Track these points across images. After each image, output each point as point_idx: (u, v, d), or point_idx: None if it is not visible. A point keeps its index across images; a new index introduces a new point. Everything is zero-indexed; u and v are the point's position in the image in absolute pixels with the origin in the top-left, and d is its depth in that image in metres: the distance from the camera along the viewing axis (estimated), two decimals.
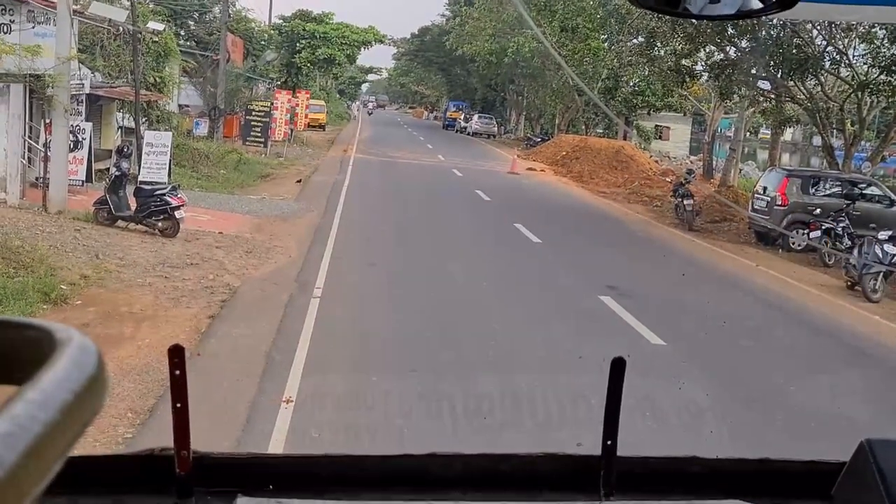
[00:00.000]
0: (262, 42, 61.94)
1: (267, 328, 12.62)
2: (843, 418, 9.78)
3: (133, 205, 19.38)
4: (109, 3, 31.79)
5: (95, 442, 7.92)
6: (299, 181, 32.76)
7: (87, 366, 0.75)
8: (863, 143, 36.19)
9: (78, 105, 23.78)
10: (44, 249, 15.25)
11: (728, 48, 31.86)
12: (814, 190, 25.72)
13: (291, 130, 48.81)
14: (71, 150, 21.75)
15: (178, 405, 1.74)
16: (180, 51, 38.86)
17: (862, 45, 28.75)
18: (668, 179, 40.28)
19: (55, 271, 14.23)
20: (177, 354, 1.75)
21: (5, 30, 21.17)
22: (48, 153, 20.21)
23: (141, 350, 11.05)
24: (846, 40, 28.95)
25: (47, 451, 0.67)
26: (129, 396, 9.36)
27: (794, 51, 28.07)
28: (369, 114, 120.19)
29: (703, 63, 35.00)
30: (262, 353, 11.35)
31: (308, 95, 60.46)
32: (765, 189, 26.57)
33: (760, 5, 1.72)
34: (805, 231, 24.01)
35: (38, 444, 0.65)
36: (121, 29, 28.09)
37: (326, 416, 9.20)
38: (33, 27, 21.43)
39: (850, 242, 22.60)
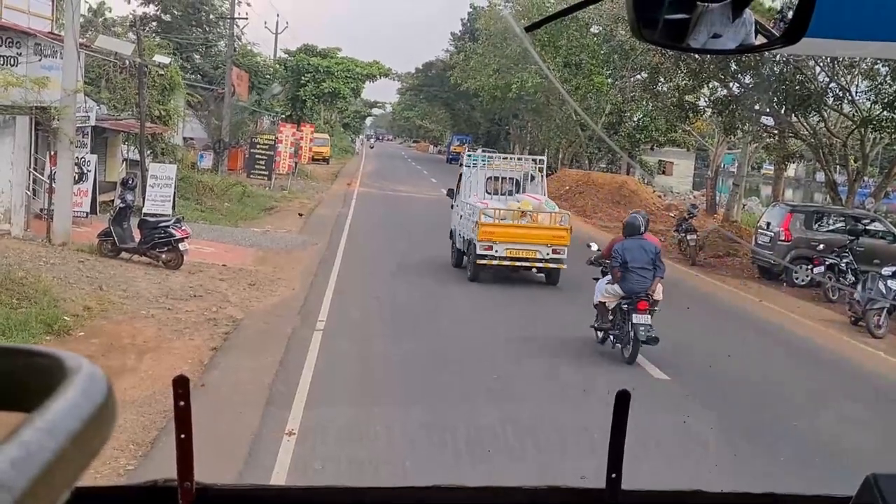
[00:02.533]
0: (268, 76, 62.20)
1: (270, 360, 12.60)
2: (848, 453, 9.73)
3: (137, 236, 19.41)
4: (116, 37, 32.02)
5: (97, 474, 7.88)
6: (301, 215, 32.80)
7: (96, 394, 0.75)
8: (866, 178, 36.16)
9: (83, 137, 23.89)
10: (47, 281, 15.25)
11: (731, 84, 31.95)
12: (817, 225, 25.70)
13: (296, 164, 48.91)
14: (76, 182, 21.83)
15: (182, 436, 1.73)
16: (185, 84, 39.04)
17: (864, 82, 28.81)
18: (671, 214, 40.28)
19: (58, 303, 14.23)
20: (181, 385, 1.75)
21: (12, 62, 21.30)
22: (53, 185, 20.26)
23: (144, 381, 11.03)
24: (849, 77, 29.02)
25: (56, 478, 0.67)
26: (132, 428, 9.33)
27: (797, 87, 28.15)
28: (371, 147, 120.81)
29: (706, 99, 35.13)
30: (265, 386, 11.33)
31: (312, 129, 60.64)
32: (768, 224, 26.54)
33: (764, 40, 1.73)
34: (809, 266, 23.98)
35: (48, 472, 0.66)
36: (127, 62, 28.25)
37: (329, 449, 9.17)
38: (40, 60, 21.57)
39: (853, 278, 22.55)
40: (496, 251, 20.12)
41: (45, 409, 0.71)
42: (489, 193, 22.43)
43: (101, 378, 0.78)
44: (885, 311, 18.40)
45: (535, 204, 21.09)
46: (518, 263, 20.49)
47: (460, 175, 23.37)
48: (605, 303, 14.30)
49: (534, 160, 24.38)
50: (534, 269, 21.02)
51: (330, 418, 10.26)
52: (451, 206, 23.62)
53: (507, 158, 26.28)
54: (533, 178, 23.00)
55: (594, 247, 16.46)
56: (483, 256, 20.22)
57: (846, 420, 11.90)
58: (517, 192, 22.43)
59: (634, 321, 13.64)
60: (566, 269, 20.36)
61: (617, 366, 13.65)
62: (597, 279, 14.99)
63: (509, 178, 22.98)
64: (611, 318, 14.29)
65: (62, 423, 0.70)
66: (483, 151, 35.23)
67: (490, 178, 22.88)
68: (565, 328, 16.58)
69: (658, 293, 14.20)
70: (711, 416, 11.34)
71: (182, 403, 1.74)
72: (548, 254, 20.36)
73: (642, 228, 14.67)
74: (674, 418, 10.70)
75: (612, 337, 14.33)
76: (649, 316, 13.75)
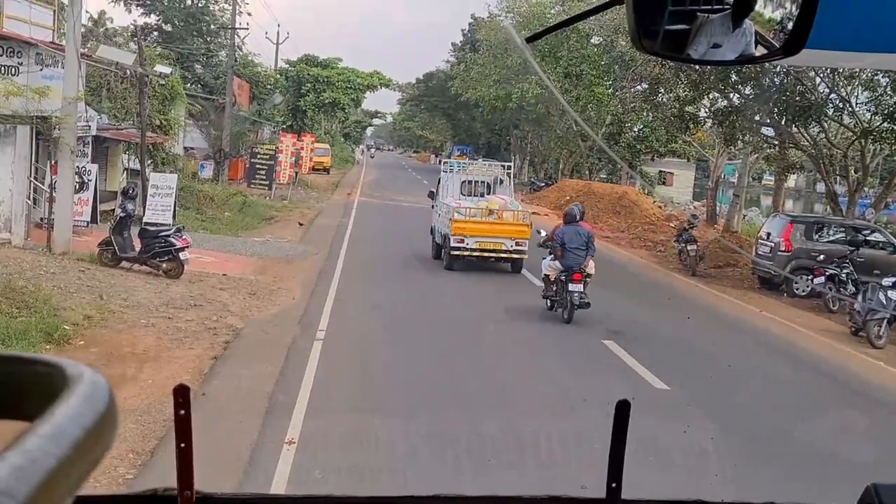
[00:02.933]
0: (268, 86, 62.27)
1: (270, 370, 12.59)
2: (848, 463, 9.71)
3: (137, 246, 19.41)
4: (117, 47, 32.08)
5: (96, 483, 7.87)
6: (301, 224, 32.82)
7: (98, 402, 0.76)
8: (866, 189, 36.18)
9: (84, 147, 23.91)
10: (47, 290, 15.25)
11: (732, 95, 31.98)
12: (817, 236, 25.70)
13: (296, 173, 48.98)
14: (76, 192, 21.85)
15: (182, 445, 1.74)
16: (186, 94, 39.09)
17: (865, 93, 28.84)
18: (671, 225, 40.28)
19: (58, 312, 14.23)
20: (182, 394, 1.76)
21: (14, 72, 21.33)
22: (53, 194, 20.27)
23: (143, 391, 11.02)
24: (849, 88, 29.05)
25: (59, 485, 0.67)
26: (131, 437, 9.32)
27: (797, 98, 28.17)
28: (371, 157, 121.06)
29: (706, 109, 35.13)
30: (265, 395, 11.32)
31: (313, 139, 60.71)
32: (768, 235, 26.54)
33: (764, 51, 1.73)
34: (809, 277, 23.97)
35: (51, 479, 0.66)
36: (128, 72, 28.29)
37: (329, 458, 9.16)
38: (41, 69, 21.60)
39: (854, 288, 22.53)
40: (467, 244, 23.39)
41: (47, 417, 0.71)
42: (464, 195, 25.62)
43: (102, 386, 0.78)
44: (885, 321, 18.39)
45: (501, 203, 24.48)
46: (486, 254, 23.77)
47: (440, 179, 26.63)
48: (549, 276, 18.07)
49: (502, 166, 28.81)
50: (500, 259, 24.16)
51: (330, 427, 10.25)
52: (432, 207, 26.98)
53: (479, 165, 29.99)
54: (502, 181, 26.55)
55: (542, 233, 19.77)
56: (456, 248, 23.43)
57: (847, 430, 11.88)
58: (488, 193, 25.76)
59: (570, 289, 17.38)
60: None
61: (617, 376, 13.66)
62: (545, 258, 18.51)
63: (481, 182, 26.36)
64: (554, 287, 18.05)
65: (64, 430, 0.70)
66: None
67: (465, 181, 26.30)
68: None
69: (590, 268, 17.87)
70: (712, 426, 11.33)
71: (182, 412, 1.75)
72: (512, 246, 23.68)
73: (578, 217, 18.56)
74: (674, 428, 10.69)
75: (556, 304, 18.02)
76: (582, 285, 17.39)
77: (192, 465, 1.73)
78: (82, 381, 0.77)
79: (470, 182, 26.24)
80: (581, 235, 17.84)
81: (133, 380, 11.58)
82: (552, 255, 18.00)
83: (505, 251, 23.67)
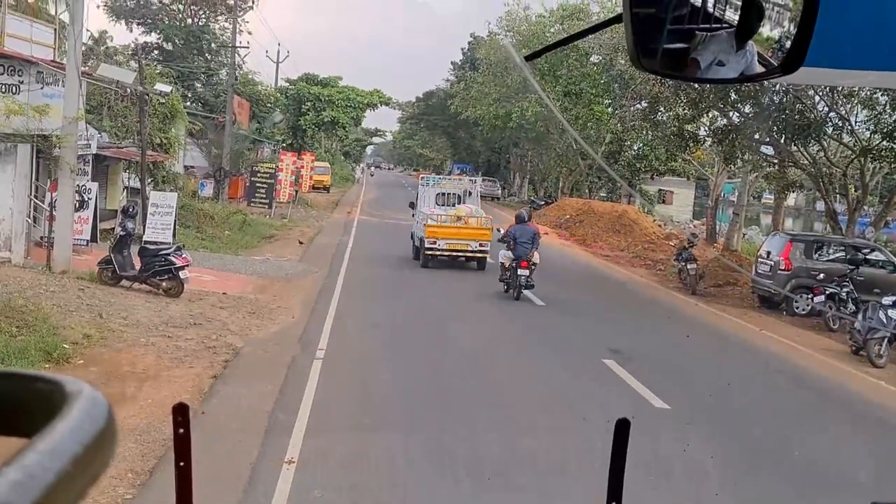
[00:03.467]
0: (269, 104, 62.40)
1: (270, 388, 12.57)
2: (849, 482, 9.70)
3: (137, 264, 19.41)
4: (118, 66, 32.15)
5: (95, 502, 7.86)
6: (301, 243, 32.84)
7: (97, 419, 0.75)
8: (866, 208, 36.25)
9: (84, 165, 23.93)
10: (47, 309, 15.24)
11: (731, 113, 32.05)
12: (817, 255, 25.71)
13: (296, 192, 49.03)
14: (76, 210, 21.85)
15: (182, 464, 1.74)
16: (187, 112, 39.17)
17: (864, 112, 28.88)
18: (671, 243, 40.32)
19: (58, 330, 14.21)
20: (181, 413, 1.75)
21: (14, 90, 21.35)
22: (53, 212, 20.28)
23: (143, 410, 11.00)
24: (848, 106, 29.10)
25: (58, 502, 0.67)
26: (131, 457, 9.30)
27: (796, 116, 28.21)
28: (371, 174, 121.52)
29: (706, 128, 35.20)
30: (265, 414, 11.30)
31: (313, 157, 60.78)
32: (768, 253, 26.55)
33: (762, 69, 1.74)
34: (809, 296, 23.94)
35: (49, 495, 0.66)
36: (128, 90, 28.36)
37: (329, 477, 9.14)
38: (42, 88, 21.62)
39: (854, 307, 22.50)
40: (439, 245, 27.72)
41: (46, 433, 0.71)
42: (438, 205, 29.68)
43: (102, 402, 0.78)
44: (885, 340, 18.36)
45: (468, 211, 28.80)
46: (455, 253, 28.05)
47: (418, 192, 30.84)
48: (504, 263, 23.31)
49: (471, 180, 34.56)
50: (467, 258, 28.40)
51: (330, 446, 10.23)
52: (412, 215, 31.06)
53: (451, 179, 36.85)
54: (470, 193, 30.81)
55: (501, 231, 24.88)
56: (430, 248, 27.74)
57: (847, 449, 11.85)
58: (458, 203, 29.86)
59: (518, 273, 22.55)
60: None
61: (617, 395, 13.64)
62: (502, 251, 23.64)
63: (453, 194, 30.58)
64: (507, 273, 23.17)
65: (64, 447, 0.70)
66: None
67: (439, 193, 30.46)
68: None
69: (535, 258, 22.95)
70: (712, 445, 11.30)
71: (182, 431, 1.75)
72: (476, 246, 28.12)
73: (526, 219, 24.20)
74: (674, 447, 10.67)
75: (508, 286, 23.06)
76: (528, 271, 22.61)
77: (192, 484, 1.72)
78: (81, 397, 0.77)
79: (443, 194, 30.42)
80: (528, 233, 23.09)
81: (133, 399, 11.56)
82: (507, 248, 23.09)
83: (470, 251, 28.09)
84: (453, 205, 29.65)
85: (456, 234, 27.87)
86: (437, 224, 27.74)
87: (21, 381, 0.82)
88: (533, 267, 22.64)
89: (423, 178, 34.92)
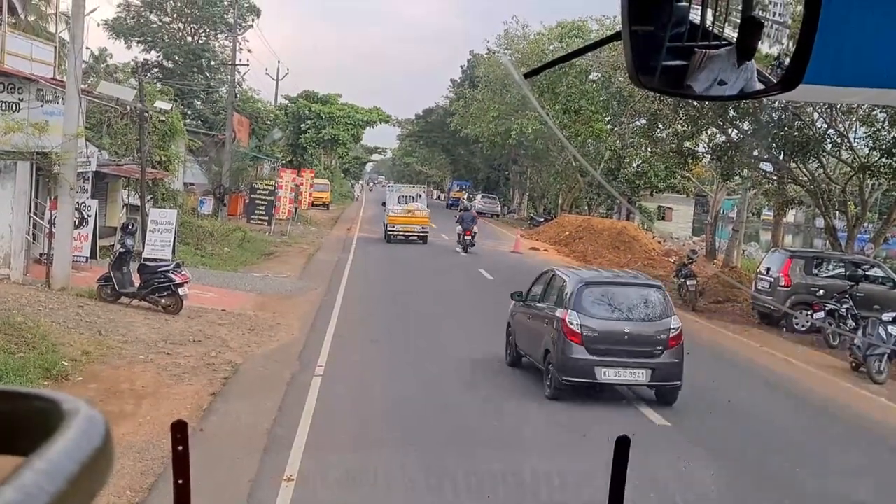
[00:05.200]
0: (268, 121, 62.49)
1: (269, 406, 12.56)
2: (849, 500, 9.68)
3: (137, 281, 19.40)
4: (118, 83, 32.19)
5: None
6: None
7: (94, 437, 0.75)
8: (865, 224, 36.22)
9: (84, 182, 23.96)
10: (46, 326, 15.22)
11: (730, 130, 32.08)
12: (817, 271, 25.68)
13: (296, 209, 49.06)
14: (76, 227, 21.86)
15: (180, 481, 1.73)
16: (186, 130, 39.23)
17: (862, 128, 28.90)
18: (671, 260, 40.28)
19: (57, 348, 14.19)
20: (179, 430, 1.75)
21: (14, 108, 21.39)
22: (53, 230, 20.28)
23: (142, 427, 10.98)
24: (847, 123, 29.14)
25: None
26: (129, 474, 9.28)
27: (795, 133, 28.24)
28: (370, 189, 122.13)
29: (705, 145, 35.24)
30: (264, 431, 11.28)
31: (313, 174, 60.85)
32: (768, 270, 26.53)
33: (761, 86, 1.74)
34: (809, 312, 23.92)
35: None
36: (128, 108, 28.40)
37: (328, 494, 9.12)
38: (42, 105, 21.66)
39: (854, 324, 22.47)
40: (397, 228, 43.55)
41: (42, 451, 0.71)
42: (399, 203, 44.65)
43: (99, 421, 0.77)
44: (885, 356, 18.32)
45: (416, 207, 44.38)
46: (407, 233, 43.55)
47: (386, 194, 48.05)
48: (459, 233, 40.45)
49: (420, 186, 54.00)
50: (415, 237, 43.55)
51: (329, 463, 10.21)
52: (384, 211, 45.67)
53: (407, 186, 57.57)
54: (420, 195, 46.43)
55: (457, 214, 43.31)
56: (391, 230, 43.57)
57: (848, 467, 11.83)
58: (411, 202, 44.88)
59: (465, 238, 40.08)
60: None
61: (618, 413, 13.60)
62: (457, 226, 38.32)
63: (408, 195, 45.83)
64: (458, 238, 40.45)
65: (60, 466, 0.70)
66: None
67: (399, 196, 45.61)
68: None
69: (475, 229, 40.37)
70: (712, 463, 11.28)
71: (180, 448, 1.74)
72: (420, 229, 43.66)
73: (469, 208, 46.34)
74: (675, 464, 10.64)
75: (461, 246, 39.66)
76: (471, 237, 39.90)
77: (190, 501, 1.72)
78: (78, 416, 0.77)
79: (402, 196, 45.55)
80: (469, 216, 41.32)
81: (131, 416, 11.55)
82: (458, 224, 40.50)
83: (416, 232, 43.63)
84: (406, 202, 44.75)
85: (407, 221, 43.72)
86: (395, 215, 43.77)
87: (17, 398, 0.81)
88: (475, 234, 40.37)
89: (389, 185, 55.61)
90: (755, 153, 32.10)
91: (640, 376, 13.83)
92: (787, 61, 1.69)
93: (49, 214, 20.94)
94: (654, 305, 14.38)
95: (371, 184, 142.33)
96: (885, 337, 18.52)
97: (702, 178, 49.59)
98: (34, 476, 0.67)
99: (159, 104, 32.70)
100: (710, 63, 1.76)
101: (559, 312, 14.07)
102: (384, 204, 46.21)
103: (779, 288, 25.30)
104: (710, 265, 38.84)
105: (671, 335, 14.00)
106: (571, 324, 13.71)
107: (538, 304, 15.45)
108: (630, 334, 13.90)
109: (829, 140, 29.32)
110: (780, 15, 1.78)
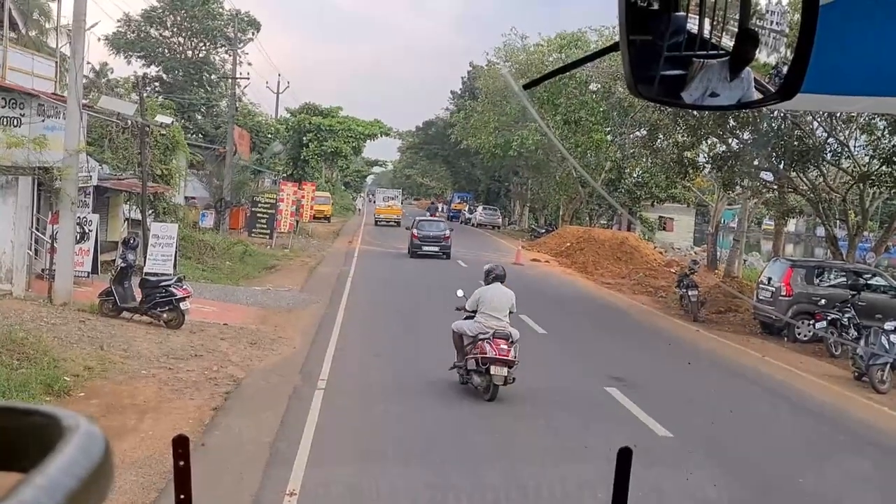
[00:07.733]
0: (269, 135, 62.57)
1: (271, 420, 12.54)
2: None
3: (138, 296, 19.39)
4: (118, 98, 32.25)
5: None
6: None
7: (93, 453, 0.75)
8: (866, 233, 36.23)
9: (85, 197, 23.96)
10: (48, 341, 15.22)
11: (730, 140, 32.11)
12: (818, 280, 25.68)
13: (297, 222, 49.08)
14: (77, 242, 21.86)
15: (182, 497, 1.72)
16: (187, 144, 39.27)
17: (863, 137, 28.93)
18: (672, 270, 40.27)
19: (59, 363, 14.18)
20: (181, 445, 1.74)
21: (16, 123, 21.42)
22: (54, 244, 20.28)
23: (144, 442, 10.96)
24: (847, 132, 29.16)
25: None
26: (131, 490, 9.26)
27: (795, 142, 28.26)
28: (371, 202, 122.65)
29: (705, 155, 35.24)
30: (266, 445, 11.26)
31: (314, 187, 60.93)
32: (769, 280, 26.53)
33: (760, 96, 1.74)
34: (811, 321, 23.91)
35: None
36: (129, 122, 28.44)
37: None
38: (43, 120, 21.68)
39: (856, 333, 22.45)
40: (381, 217, 72.89)
41: (41, 468, 0.70)
42: (382, 201, 75.59)
43: (98, 437, 0.77)
44: (888, 366, 18.30)
45: (393, 202, 75.32)
46: (388, 221, 71.05)
47: (375, 195, 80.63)
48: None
49: (395, 190, 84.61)
50: (393, 223, 68.31)
51: (332, 478, 10.18)
52: (373, 204, 78.74)
53: (390, 190, 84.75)
54: (396, 196, 77.81)
55: (427, 214, 70.96)
56: (377, 219, 72.68)
57: (851, 477, 11.80)
58: (390, 200, 75.24)
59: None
60: (402, 223, 62.81)
61: (619, 424, 13.59)
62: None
63: (388, 196, 76.39)
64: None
65: (59, 482, 0.69)
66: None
67: (382, 196, 77.29)
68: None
69: (447, 233, 44.39)
70: (715, 473, 11.26)
71: (182, 463, 1.74)
72: (395, 217, 71.59)
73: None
74: (677, 475, 10.62)
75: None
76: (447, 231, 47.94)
77: None
78: (78, 432, 0.76)
79: (386, 196, 75.85)
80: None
81: (133, 431, 11.53)
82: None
83: (394, 220, 70.36)
84: (387, 201, 74.19)
85: (386, 212, 72.68)
86: (380, 208, 73.77)
87: (17, 415, 0.81)
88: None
89: (378, 189, 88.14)
90: (755, 163, 32.11)
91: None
92: (786, 70, 1.69)
93: (50, 229, 20.95)
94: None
95: (371, 196, 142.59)
96: (887, 346, 18.49)
97: (702, 188, 49.62)
98: (33, 492, 0.67)
99: (160, 118, 32.76)
100: (708, 73, 1.76)
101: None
102: (373, 201, 72.41)
103: (780, 297, 25.30)
104: (712, 275, 38.82)
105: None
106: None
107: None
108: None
109: (829, 149, 29.35)
110: (777, 24, 1.78)
